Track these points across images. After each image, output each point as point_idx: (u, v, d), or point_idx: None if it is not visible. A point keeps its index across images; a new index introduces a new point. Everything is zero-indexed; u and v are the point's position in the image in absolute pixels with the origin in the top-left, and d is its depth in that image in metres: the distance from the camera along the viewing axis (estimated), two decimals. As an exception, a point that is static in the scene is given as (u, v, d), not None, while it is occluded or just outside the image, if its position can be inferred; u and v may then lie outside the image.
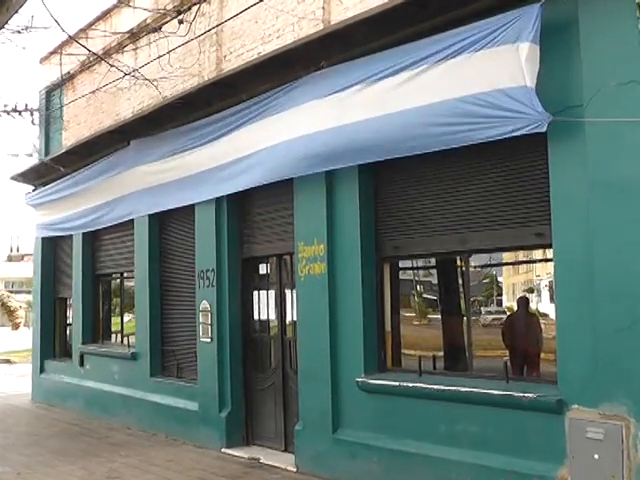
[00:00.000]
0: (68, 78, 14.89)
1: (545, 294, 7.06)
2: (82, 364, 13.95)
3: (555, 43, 6.12)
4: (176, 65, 11.05)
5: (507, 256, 7.55)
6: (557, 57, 6.14)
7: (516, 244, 6.94)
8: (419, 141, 6.95)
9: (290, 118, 8.51)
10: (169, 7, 10.96)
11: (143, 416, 11.67)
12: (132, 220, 12.17)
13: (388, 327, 8.15)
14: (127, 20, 12.87)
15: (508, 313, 7.54)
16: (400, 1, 6.93)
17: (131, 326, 12.87)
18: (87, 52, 11.50)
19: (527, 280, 7.44)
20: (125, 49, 12.56)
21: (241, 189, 9.43)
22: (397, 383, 7.57)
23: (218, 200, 10.08)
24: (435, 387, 7.18)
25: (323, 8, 8.69)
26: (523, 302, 7.29)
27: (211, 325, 10.24)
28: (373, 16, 7.33)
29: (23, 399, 15.79)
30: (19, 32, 10.75)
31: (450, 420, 7.01)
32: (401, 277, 8.53)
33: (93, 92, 12.52)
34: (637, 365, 5.59)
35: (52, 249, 15.76)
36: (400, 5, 6.96)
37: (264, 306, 9.99)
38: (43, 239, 15.64)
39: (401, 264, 8.42)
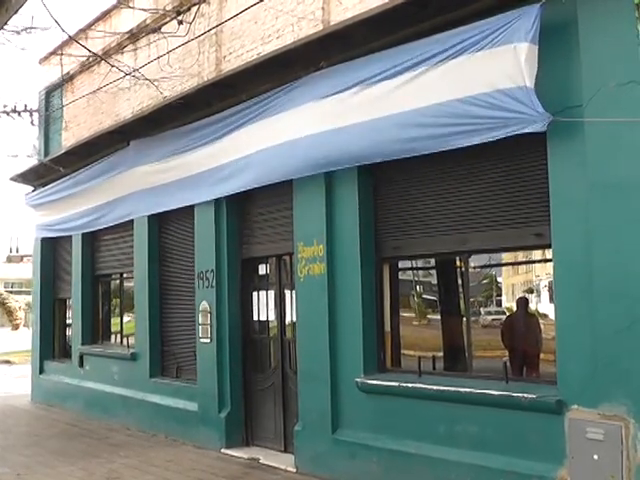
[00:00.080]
0: (68, 79, 14.90)
1: (544, 294, 7.07)
2: (82, 365, 13.95)
3: (554, 43, 6.12)
4: (176, 66, 11.06)
5: (507, 256, 7.55)
6: (556, 57, 6.15)
7: (516, 244, 6.94)
8: (419, 142, 6.95)
9: (290, 119, 8.51)
10: (169, 8, 10.96)
11: (143, 417, 11.67)
12: (132, 221, 12.17)
13: (388, 327, 8.15)
14: (127, 21, 12.87)
15: (507, 313, 7.54)
16: (400, 1, 6.93)
17: (131, 327, 12.86)
18: (87, 53, 11.50)
19: (526, 280, 7.44)
20: (124, 50, 12.57)
21: (241, 190, 9.43)
22: (397, 383, 7.57)
23: (217, 200, 10.08)
24: (435, 387, 7.17)
25: (323, 8, 8.69)
26: (522, 302, 7.29)
27: (211, 326, 10.24)
28: (373, 16, 7.33)
29: (23, 400, 15.79)
30: (18, 33, 10.75)
31: (450, 420, 7.01)
32: (401, 277, 8.52)
33: (95, 92, 12.50)
34: (636, 365, 5.59)
35: (52, 250, 15.76)
36: (400, 5, 6.97)
37: (263, 307, 9.98)
38: (43, 240, 15.64)
39: (401, 264, 8.42)
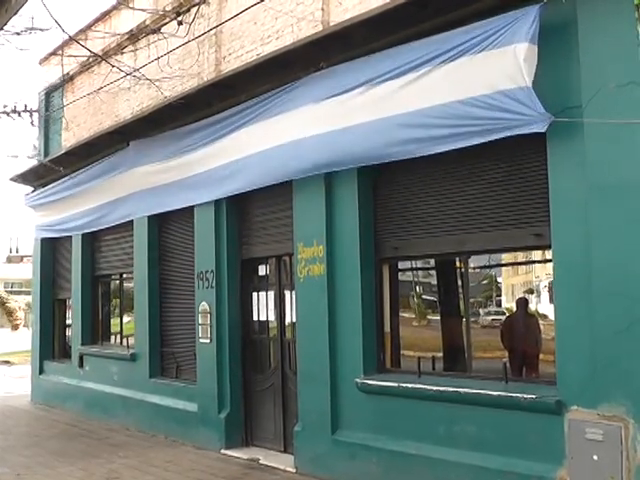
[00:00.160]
0: (68, 79, 14.90)
1: (544, 295, 7.07)
2: (81, 365, 13.95)
3: (554, 44, 6.12)
4: (175, 66, 11.06)
5: (506, 257, 7.56)
6: (556, 58, 6.15)
7: (515, 245, 6.94)
8: (422, 143, 6.95)
9: (291, 119, 8.51)
10: (168, 8, 10.97)
11: (142, 417, 11.67)
12: (131, 221, 12.18)
13: (387, 328, 8.15)
14: (126, 21, 12.87)
15: (507, 314, 7.54)
16: (400, 2, 6.93)
17: (130, 327, 12.86)
18: (87, 53, 11.50)
19: (526, 281, 7.44)
20: (124, 50, 12.56)
21: (240, 191, 9.43)
22: (396, 384, 7.57)
23: (217, 201, 10.08)
24: (434, 388, 7.17)
25: (322, 9, 8.70)
26: (522, 303, 7.29)
27: (210, 326, 10.24)
28: (372, 17, 7.33)
29: (22, 400, 15.79)
30: (18, 34, 10.75)
31: (449, 421, 7.01)
32: (400, 278, 8.52)
33: (96, 92, 12.49)
34: (636, 366, 5.59)
35: (51, 250, 15.76)
36: (399, 6, 6.97)
37: (263, 307, 9.98)
38: (42, 240, 15.64)
39: (400, 265, 8.42)
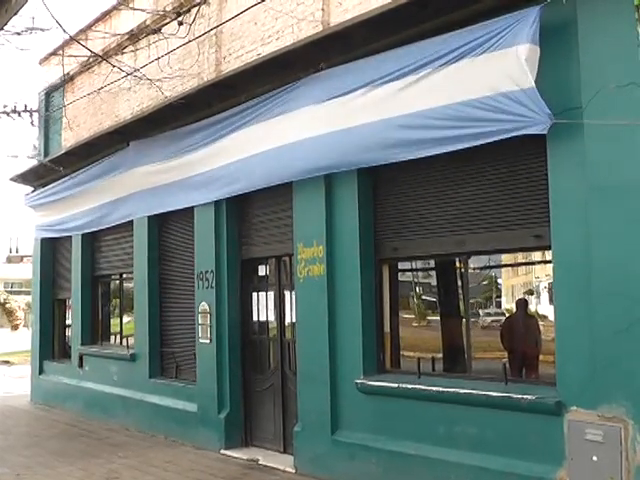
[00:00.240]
0: (68, 79, 14.89)
1: (544, 296, 7.07)
2: (81, 365, 13.95)
3: (554, 45, 6.12)
4: (175, 66, 11.06)
5: (506, 258, 7.56)
6: (556, 59, 6.14)
7: (515, 246, 6.94)
8: (422, 145, 6.96)
9: (292, 120, 8.51)
10: (169, 9, 10.97)
11: (142, 417, 11.67)
12: (131, 221, 12.18)
13: (387, 329, 8.15)
14: (127, 21, 12.87)
15: (507, 315, 7.54)
16: (400, 2, 6.93)
17: (130, 327, 12.86)
18: (87, 53, 11.50)
19: (526, 282, 7.44)
20: (124, 50, 12.56)
21: (241, 192, 9.44)
22: (396, 385, 7.57)
23: (217, 201, 10.08)
24: (434, 389, 7.18)
25: (322, 10, 8.70)
26: (522, 304, 7.29)
27: (210, 326, 10.24)
28: (372, 17, 7.33)
29: (22, 400, 15.79)
30: (19, 34, 10.74)
31: (449, 422, 7.01)
32: (400, 279, 8.52)
33: (96, 92, 12.49)
34: (636, 367, 5.59)
35: (51, 250, 15.76)
36: (400, 6, 6.97)
37: (263, 307, 9.98)
38: (42, 240, 15.64)
39: (400, 266, 8.42)
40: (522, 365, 7.25)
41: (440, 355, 7.83)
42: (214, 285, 10.19)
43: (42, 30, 10.85)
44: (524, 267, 7.51)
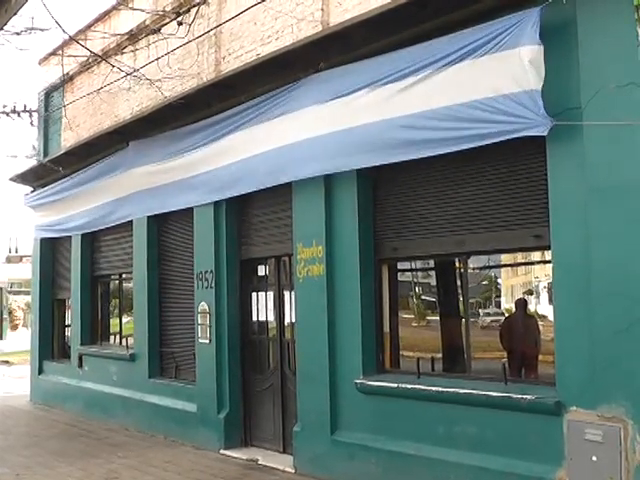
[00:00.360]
0: (67, 79, 14.89)
1: (544, 296, 7.07)
2: (81, 365, 13.95)
3: (554, 45, 6.11)
4: (175, 67, 11.06)
5: (506, 258, 7.56)
6: (556, 59, 6.13)
7: (515, 246, 6.94)
8: (423, 145, 6.95)
9: (293, 121, 8.50)
10: (168, 9, 10.96)
11: (142, 417, 11.66)
12: (131, 221, 12.18)
13: (386, 328, 8.15)
14: (126, 22, 12.87)
15: (506, 315, 7.54)
16: (400, 2, 6.93)
17: (130, 327, 12.86)
18: (86, 53, 11.50)
19: (526, 282, 7.44)
20: (124, 50, 12.56)
21: (241, 193, 9.43)
22: (395, 385, 7.57)
23: (217, 202, 10.08)
24: (433, 389, 7.18)
25: (322, 10, 8.69)
26: (521, 304, 7.29)
27: (210, 326, 10.24)
28: (372, 17, 7.33)
29: (22, 400, 15.79)
30: (18, 34, 10.74)
31: (449, 422, 7.01)
32: (399, 279, 8.53)
33: (96, 92, 12.49)
34: (635, 367, 5.59)
35: (51, 250, 15.76)
36: (399, 6, 6.96)
37: (263, 307, 9.98)
38: (42, 240, 15.64)
39: (399, 266, 8.42)
40: (522, 365, 7.25)
41: (440, 355, 7.83)
42: (214, 285, 10.19)
43: (42, 30, 10.87)
44: (524, 267, 7.51)
